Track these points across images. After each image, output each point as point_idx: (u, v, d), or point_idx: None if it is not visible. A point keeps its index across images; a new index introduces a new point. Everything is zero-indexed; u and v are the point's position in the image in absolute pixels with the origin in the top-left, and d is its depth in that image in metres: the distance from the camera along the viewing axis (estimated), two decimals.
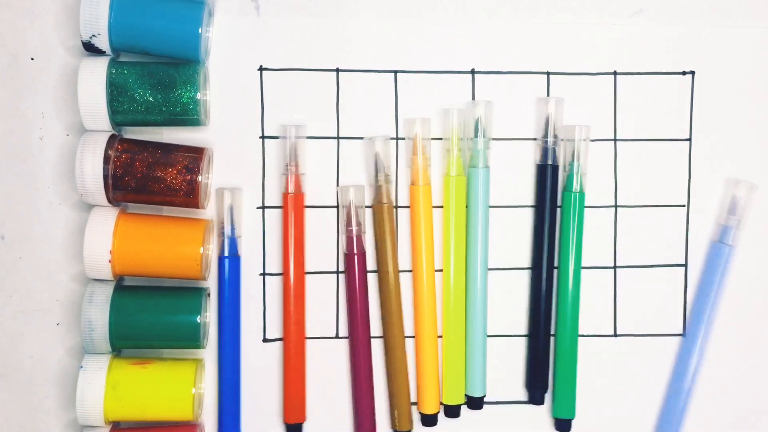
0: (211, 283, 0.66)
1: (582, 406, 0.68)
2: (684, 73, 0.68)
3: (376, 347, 0.67)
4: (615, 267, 0.69)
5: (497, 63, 0.67)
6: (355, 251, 0.66)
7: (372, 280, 0.67)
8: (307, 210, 0.67)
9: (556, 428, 0.68)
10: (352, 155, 0.67)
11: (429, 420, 0.68)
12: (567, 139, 0.67)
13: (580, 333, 0.67)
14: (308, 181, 0.67)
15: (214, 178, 0.66)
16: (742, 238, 0.68)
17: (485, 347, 0.67)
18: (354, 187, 0.66)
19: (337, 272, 0.67)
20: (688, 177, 0.69)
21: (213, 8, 0.66)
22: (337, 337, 0.68)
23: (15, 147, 0.66)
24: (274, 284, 0.67)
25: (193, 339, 0.64)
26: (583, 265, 0.67)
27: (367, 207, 0.67)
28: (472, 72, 0.67)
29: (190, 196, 0.64)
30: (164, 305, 0.64)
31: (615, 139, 0.68)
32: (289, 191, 0.66)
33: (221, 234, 0.66)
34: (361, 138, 0.67)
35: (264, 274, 0.67)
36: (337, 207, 0.67)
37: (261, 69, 0.67)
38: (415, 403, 0.68)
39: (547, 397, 0.68)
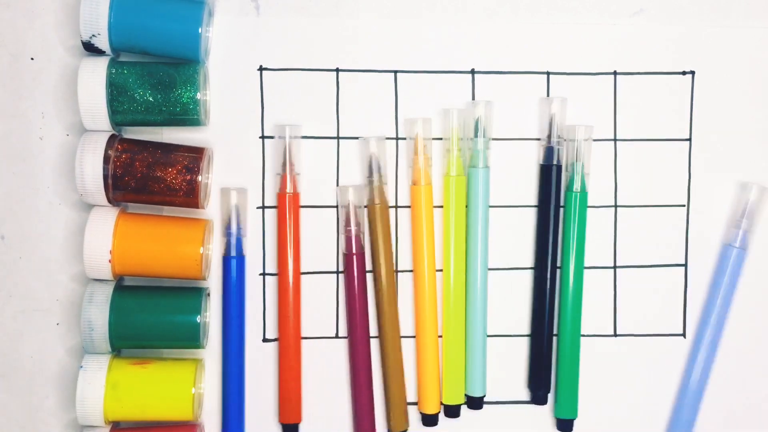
0: (212, 283, 0.66)
1: (582, 406, 0.68)
2: (684, 73, 0.68)
3: (375, 347, 0.67)
4: (615, 267, 0.69)
5: (497, 63, 0.67)
6: (354, 251, 0.66)
7: (371, 280, 0.67)
8: (307, 210, 0.67)
9: (558, 428, 0.68)
10: (352, 155, 0.67)
11: (429, 420, 0.68)
12: (569, 139, 0.67)
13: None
14: (308, 182, 0.67)
15: (214, 178, 0.66)
16: (753, 241, 0.68)
17: (485, 347, 0.67)
18: (353, 188, 0.66)
19: (337, 272, 0.67)
20: (688, 177, 0.69)
21: (213, 8, 0.66)
22: (336, 337, 0.68)
23: (15, 147, 0.66)
24: (274, 284, 0.67)
25: (192, 339, 0.64)
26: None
27: (364, 207, 0.67)
28: (472, 72, 0.67)
29: (190, 196, 0.64)
30: (164, 305, 0.64)
31: (615, 139, 0.68)
32: (287, 191, 0.66)
33: (227, 234, 0.66)
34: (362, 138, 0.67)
35: (264, 274, 0.67)
36: (337, 207, 0.67)
37: (261, 69, 0.67)
38: (415, 403, 0.68)
39: (549, 397, 0.68)
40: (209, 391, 0.67)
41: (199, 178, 0.63)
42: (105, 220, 0.63)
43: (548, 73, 0.68)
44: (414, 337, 0.68)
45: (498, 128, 0.68)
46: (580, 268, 0.67)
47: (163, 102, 0.63)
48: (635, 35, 0.68)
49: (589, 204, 0.68)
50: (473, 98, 0.67)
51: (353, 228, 0.66)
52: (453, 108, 0.67)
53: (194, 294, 0.65)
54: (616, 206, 0.68)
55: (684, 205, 0.69)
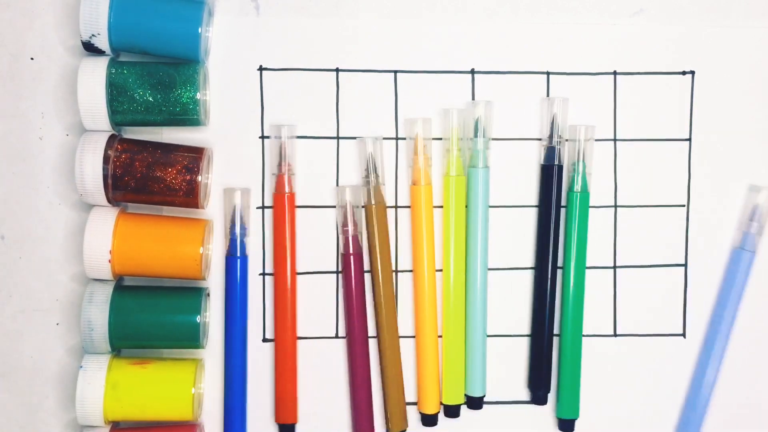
0: (212, 283, 0.66)
1: (581, 405, 0.68)
2: (684, 73, 0.68)
3: (375, 347, 0.67)
4: (615, 267, 0.69)
5: (497, 63, 0.67)
6: (351, 251, 0.66)
7: (368, 280, 0.67)
8: (307, 210, 0.67)
9: (560, 428, 0.68)
10: (352, 155, 0.67)
11: (429, 420, 0.68)
12: (571, 139, 0.67)
13: None
14: (308, 182, 0.67)
15: (213, 178, 0.66)
16: (762, 243, 0.68)
17: (485, 347, 0.67)
18: (350, 188, 0.66)
19: (337, 272, 0.67)
20: (688, 177, 0.69)
21: (213, 8, 0.66)
22: (336, 337, 0.68)
23: (15, 147, 0.66)
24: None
25: (192, 339, 0.64)
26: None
27: (362, 207, 0.67)
28: (472, 72, 0.67)
29: (189, 196, 0.64)
30: (164, 305, 0.64)
31: (615, 139, 0.68)
32: (285, 191, 0.66)
33: (231, 234, 0.66)
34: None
35: (264, 274, 0.67)
36: (336, 207, 0.67)
37: (261, 69, 0.67)
38: (414, 403, 0.68)
39: (549, 396, 0.68)
40: (209, 391, 0.67)
41: (199, 178, 0.63)
42: (105, 220, 0.63)
43: (548, 73, 0.68)
44: (413, 337, 0.68)
45: (498, 128, 0.68)
46: (581, 268, 0.67)
47: (163, 102, 0.63)
48: (635, 35, 0.68)
49: (589, 204, 0.68)
50: (473, 98, 0.67)
51: (351, 228, 0.66)
52: (453, 108, 0.67)
53: (194, 294, 0.65)
54: (616, 206, 0.68)
55: (684, 205, 0.69)
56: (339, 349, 0.68)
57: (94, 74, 0.62)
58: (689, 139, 0.68)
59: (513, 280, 0.68)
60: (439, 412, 0.68)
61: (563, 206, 0.67)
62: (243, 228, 0.66)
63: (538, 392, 0.68)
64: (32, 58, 0.65)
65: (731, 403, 0.69)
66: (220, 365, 0.67)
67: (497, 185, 0.68)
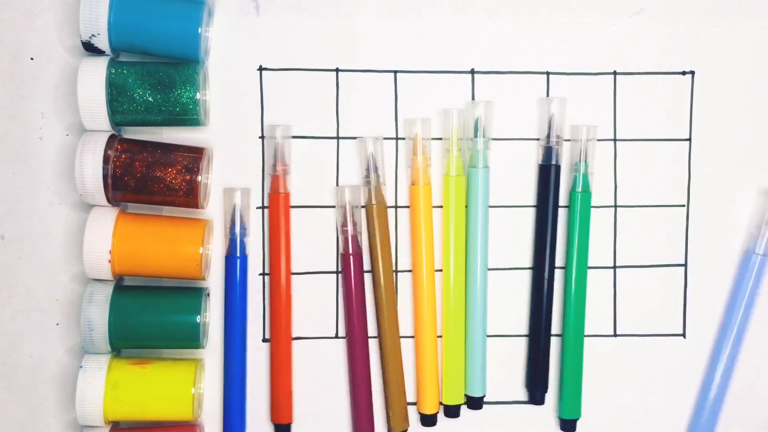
0: (212, 283, 0.66)
1: (582, 406, 0.68)
2: (684, 73, 0.68)
3: (374, 347, 0.67)
4: (615, 267, 0.69)
5: (497, 63, 0.67)
6: (351, 251, 0.66)
7: (369, 280, 0.67)
8: (306, 210, 0.67)
9: (562, 428, 0.68)
10: (352, 155, 0.67)
11: (428, 420, 0.68)
12: (573, 139, 0.67)
13: None
14: (308, 182, 0.67)
15: (213, 178, 0.66)
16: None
17: (485, 347, 0.67)
18: (350, 188, 0.66)
19: (337, 272, 0.67)
20: (688, 177, 0.69)
21: (213, 8, 0.66)
22: (336, 337, 0.68)
23: (15, 147, 0.66)
24: None
25: (192, 339, 0.64)
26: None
27: (362, 207, 0.67)
28: (472, 72, 0.67)
29: (189, 196, 0.64)
30: (164, 305, 0.64)
31: (615, 139, 0.68)
32: (280, 191, 0.66)
33: (231, 234, 0.66)
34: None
35: (264, 274, 0.67)
36: (336, 207, 0.67)
37: (261, 69, 0.67)
38: (414, 403, 0.68)
39: (548, 396, 0.68)
40: (209, 391, 0.67)
41: (199, 178, 0.63)
42: (105, 220, 0.63)
43: (548, 73, 0.68)
44: (413, 337, 0.68)
45: (498, 128, 0.68)
46: (583, 268, 0.67)
47: (162, 102, 0.63)
48: (635, 35, 0.68)
49: None
50: (473, 98, 0.67)
51: (350, 228, 0.66)
52: (453, 108, 0.67)
53: (194, 294, 0.65)
54: (616, 206, 0.68)
55: (684, 205, 0.69)
56: (339, 349, 0.68)
57: (94, 74, 0.62)
58: (689, 139, 0.68)
59: (513, 280, 0.68)
60: (438, 412, 0.68)
61: (562, 206, 0.67)
62: (242, 228, 0.66)
63: (535, 392, 0.68)
64: (32, 58, 0.65)
65: (740, 406, 0.69)
66: (220, 365, 0.67)
67: (497, 185, 0.68)
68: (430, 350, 0.67)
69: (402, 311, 0.67)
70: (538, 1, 0.67)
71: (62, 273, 0.66)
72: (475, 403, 0.68)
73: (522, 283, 0.68)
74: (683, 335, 0.69)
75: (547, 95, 0.67)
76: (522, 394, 0.69)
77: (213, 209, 0.66)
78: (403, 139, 0.67)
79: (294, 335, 0.67)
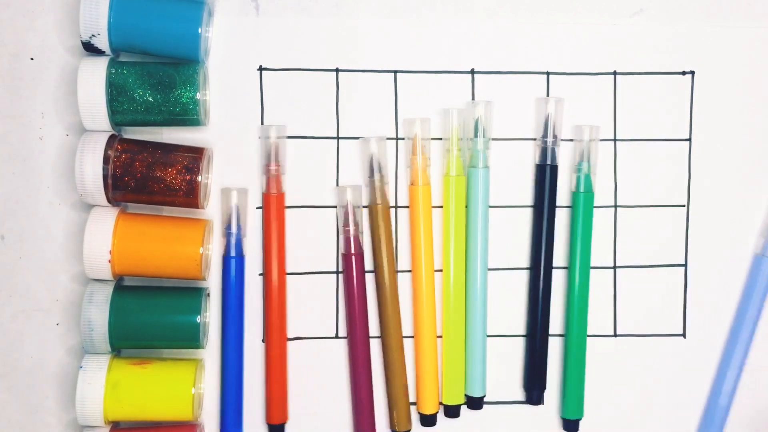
0: (212, 283, 0.66)
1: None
2: (684, 73, 0.68)
3: (375, 347, 0.67)
4: (615, 267, 0.69)
5: (497, 63, 0.67)
6: (353, 251, 0.66)
7: (371, 280, 0.67)
8: (307, 210, 0.67)
9: (564, 428, 0.68)
10: (352, 155, 0.67)
11: (428, 420, 0.68)
12: (576, 139, 0.67)
13: None
14: (308, 182, 0.67)
15: (213, 178, 0.66)
16: None
17: (485, 347, 0.67)
18: (351, 188, 0.66)
19: (337, 272, 0.67)
20: (688, 177, 0.69)
21: (213, 8, 0.66)
22: (336, 337, 0.68)
23: (15, 147, 0.66)
24: None
25: (192, 339, 0.64)
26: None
27: (364, 207, 0.67)
28: (472, 72, 0.67)
29: (189, 196, 0.64)
30: (164, 305, 0.64)
31: (615, 139, 0.68)
32: (273, 192, 0.66)
33: (227, 234, 0.66)
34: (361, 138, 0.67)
35: (263, 274, 0.67)
36: (337, 207, 0.67)
37: (261, 69, 0.67)
38: (414, 403, 0.68)
39: (548, 396, 0.68)
40: (209, 391, 0.67)
41: (199, 178, 0.63)
42: (105, 220, 0.63)
43: (548, 73, 0.68)
44: (413, 337, 0.68)
45: (498, 128, 0.68)
46: (587, 268, 0.67)
47: (162, 102, 0.63)
48: (635, 35, 0.68)
49: None
50: (473, 98, 0.67)
51: (352, 228, 0.66)
52: (453, 108, 0.67)
53: (194, 294, 0.65)
54: (616, 206, 0.68)
55: (684, 205, 0.69)
56: (339, 349, 0.68)
57: (94, 74, 0.62)
58: (689, 139, 0.68)
59: (513, 280, 0.68)
60: (437, 412, 0.68)
61: (559, 206, 0.67)
62: (239, 228, 0.66)
63: (532, 392, 0.68)
64: (32, 58, 0.65)
65: (751, 410, 0.69)
66: (219, 365, 0.66)
67: (497, 185, 0.68)
68: (430, 350, 0.67)
69: (402, 311, 0.67)
70: (538, 1, 0.67)
71: (62, 273, 0.66)
72: (475, 403, 0.68)
73: (522, 283, 0.68)
74: (683, 335, 0.69)
75: (547, 95, 0.68)
76: (522, 394, 0.69)
77: (213, 209, 0.66)
78: (403, 139, 0.67)
79: (294, 335, 0.67)
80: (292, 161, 0.67)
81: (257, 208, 0.67)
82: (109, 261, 0.62)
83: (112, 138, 0.63)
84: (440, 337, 0.67)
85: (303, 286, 0.67)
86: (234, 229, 0.66)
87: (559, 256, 0.68)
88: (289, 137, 0.67)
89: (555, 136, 0.67)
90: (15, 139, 0.66)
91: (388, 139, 0.67)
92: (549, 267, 0.67)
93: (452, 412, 0.68)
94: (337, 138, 0.67)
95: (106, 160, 0.62)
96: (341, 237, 0.67)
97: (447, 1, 0.67)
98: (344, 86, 0.67)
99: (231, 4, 0.66)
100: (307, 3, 0.67)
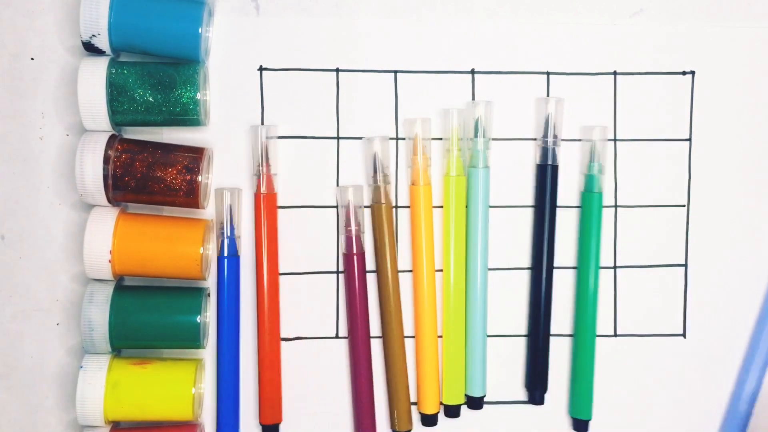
0: (212, 283, 0.66)
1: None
2: (684, 73, 0.68)
3: (376, 347, 0.67)
4: (615, 267, 0.69)
5: (497, 63, 0.67)
6: (354, 251, 0.66)
7: (372, 280, 0.67)
8: (307, 210, 0.67)
9: (574, 428, 0.68)
10: (352, 155, 0.67)
11: (429, 420, 0.68)
12: (585, 139, 0.67)
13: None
14: (308, 182, 0.67)
15: (214, 178, 0.66)
16: None
17: (485, 347, 0.67)
18: (353, 188, 0.66)
19: (337, 272, 0.67)
20: (688, 177, 0.69)
21: (213, 8, 0.66)
22: (336, 337, 0.68)
23: (15, 147, 0.66)
24: None
25: (193, 339, 0.64)
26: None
27: (366, 207, 0.67)
28: (472, 72, 0.67)
29: (190, 196, 0.64)
30: (164, 305, 0.64)
31: (615, 139, 0.68)
32: (262, 191, 0.65)
33: (221, 234, 0.66)
34: (361, 138, 0.67)
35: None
36: (337, 207, 0.67)
37: (261, 69, 0.67)
38: (415, 403, 0.68)
39: (548, 396, 0.68)
40: (209, 391, 0.67)
41: (199, 178, 0.63)
42: (105, 220, 0.63)
43: (548, 73, 0.68)
44: (413, 337, 0.68)
45: (498, 128, 0.68)
46: (597, 269, 0.67)
47: (163, 102, 0.63)
48: (635, 35, 0.68)
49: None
50: (473, 98, 0.67)
51: (353, 228, 0.66)
52: (453, 108, 0.67)
53: (194, 294, 0.65)
54: (616, 206, 0.68)
55: (684, 205, 0.69)
56: (339, 349, 0.68)
57: (94, 74, 0.62)
58: (689, 139, 0.69)
59: (513, 281, 0.68)
60: (438, 412, 0.68)
61: (570, 207, 0.67)
62: (232, 228, 0.66)
63: (534, 392, 0.68)
64: (32, 58, 0.65)
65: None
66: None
67: (497, 185, 0.68)
68: (431, 350, 0.67)
69: (402, 311, 0.67)
70: (538, 1, 0.67)
71: (62, 273, 0.66)
72: (475, 403, 0.68)
73: (522, 283, 0.68)
74: (683, 335, 0.69)
75: (547, 95, 0.68)
76: (522, 394, 0.69)
77: (213, 209, 0.66)
78: (403, 139, 0.67)
79: (294, 335, 0.67)
80: (292, 161, 0.67)
81: None
82: (110, 261, 0.62)
83: (112, 138, 0.63)
84: (440, 337, 0.67)
85: (303, 286, 0.67)
86: (227, 229, 0.65)
87: (560, 256, 0.68)
88: (289, 137, 0.67)
89: (555, 136, 0.67)
90: (15, 139, 0.66)
91: (389, 139, 0.67)
92: (551, 267, 0.67)
93: (452, 412, 0.68)
94: (338, 138, 0.67)
95: (106, 160, 0.62)
96: (343, 237, 0.67)
97: (447, 1, 0.67)
98: (344, 86, 0.67)
99: (231, 4, 0.66)
100: (307, 3, 0.67)
